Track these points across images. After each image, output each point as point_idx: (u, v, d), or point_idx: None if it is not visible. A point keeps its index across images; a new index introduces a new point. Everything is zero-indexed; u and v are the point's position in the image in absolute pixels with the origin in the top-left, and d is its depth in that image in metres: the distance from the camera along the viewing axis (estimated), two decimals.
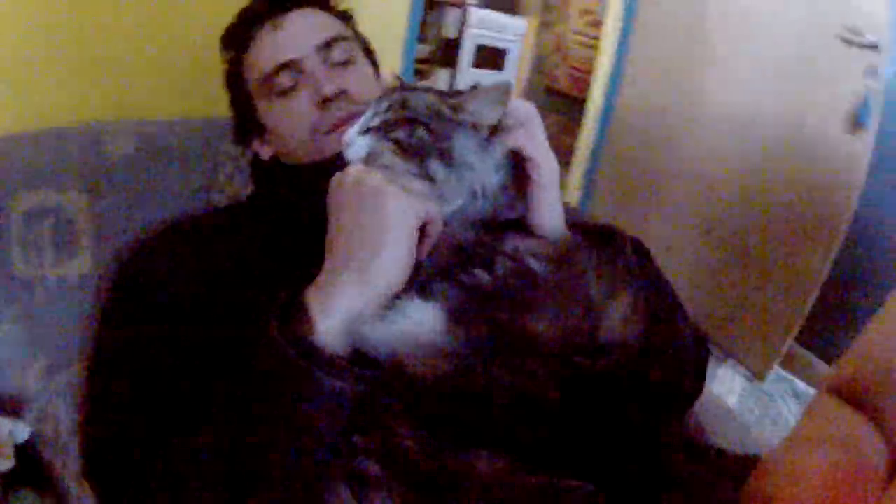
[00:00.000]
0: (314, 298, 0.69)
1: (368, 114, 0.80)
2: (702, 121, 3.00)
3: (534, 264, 0.69)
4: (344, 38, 1.12)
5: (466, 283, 0.68)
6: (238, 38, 1.12)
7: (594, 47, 4.06)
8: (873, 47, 2.46)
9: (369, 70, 1.17)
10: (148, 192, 1.16)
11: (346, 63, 1.11)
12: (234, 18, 1.14)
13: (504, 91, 0.75)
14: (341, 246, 0.71)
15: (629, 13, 3.20)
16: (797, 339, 2.70)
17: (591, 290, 0.68)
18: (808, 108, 2.61)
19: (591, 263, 0.72)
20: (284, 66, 1.07)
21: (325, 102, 1.05)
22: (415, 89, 0.82)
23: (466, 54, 4.48)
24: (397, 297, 0.68)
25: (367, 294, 0.68)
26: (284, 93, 1.07)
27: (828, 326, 2.68)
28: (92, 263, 1.10)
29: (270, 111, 1.10)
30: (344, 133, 0.89)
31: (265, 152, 1.16)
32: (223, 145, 1.26)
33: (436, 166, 0.73)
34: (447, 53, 4.53)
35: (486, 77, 4.56)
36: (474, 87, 0.78)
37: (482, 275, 0.68)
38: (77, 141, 1.13)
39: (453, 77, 4.55)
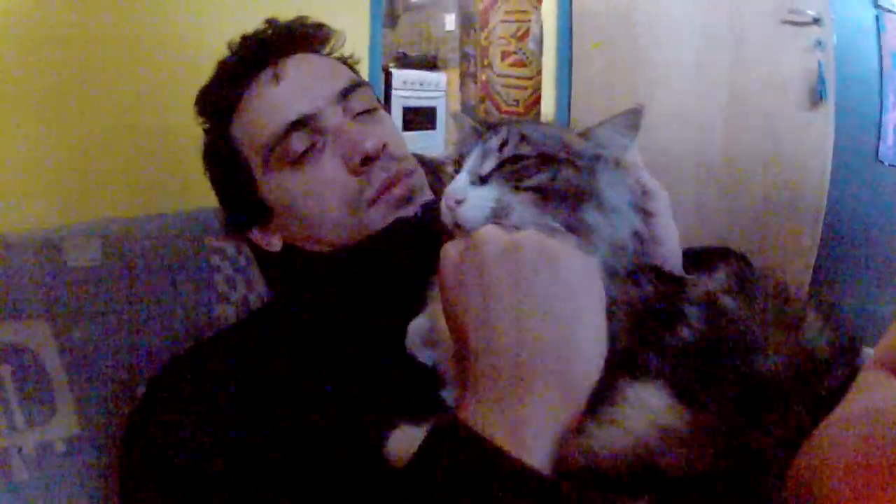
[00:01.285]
0: (497, 427, 0.47)
1: (474, 157, 0.63)
2: (652, 133, 2.90)
3: (728, 302, 0.56)
4: (361, 85, 0.89)
5: (676, 346, 0.53)
6: (222, 98, 0.88)
7: (523, 87, 4.05)
8: (817, 21, 2.48)
9: (392, 120, 0.95)
10: (130, 313, 0.89)
11: (370, 112, 0.88)
12: (213, 74, 0.89)
13: (636, 115, 0.64)
14: (503, 341, 0.50)
15: (564, 43, 3.10)
16: None
17: (785, 312, 0.56)
18: (754, 90, 2.61)
19: (763, 287, 0.60)
20: (297, 125, 0.83)
21: (364, 163, 0.82)
22: (518, 121, 0.69)
23: (395, 119, 4.30)
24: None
25: (570, 397, 0.49)
26: (300, 160, 0.83)
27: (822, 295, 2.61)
28: (81, 421, 0.82)
29: (283, 186, 0.86)
30: (390, 192, 0.82)
31: (272, 243, 0.91)
32: (211, 242, 0.99)
33: (593, 214, 0.60)
34: None
35: (421, 139, 4.41)
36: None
37: (686, 331, 0.54)
38: (27, 252, 0.85)
39: None
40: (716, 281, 0.58)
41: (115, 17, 1.22)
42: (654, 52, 2.90)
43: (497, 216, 0.58)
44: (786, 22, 2.52)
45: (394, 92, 4.21)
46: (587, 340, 0.50)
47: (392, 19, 5.22)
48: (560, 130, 0.65)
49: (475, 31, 4.54)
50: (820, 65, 2.46)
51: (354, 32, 1.85)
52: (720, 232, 2.78)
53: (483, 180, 0.61)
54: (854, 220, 2.59)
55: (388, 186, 0.83)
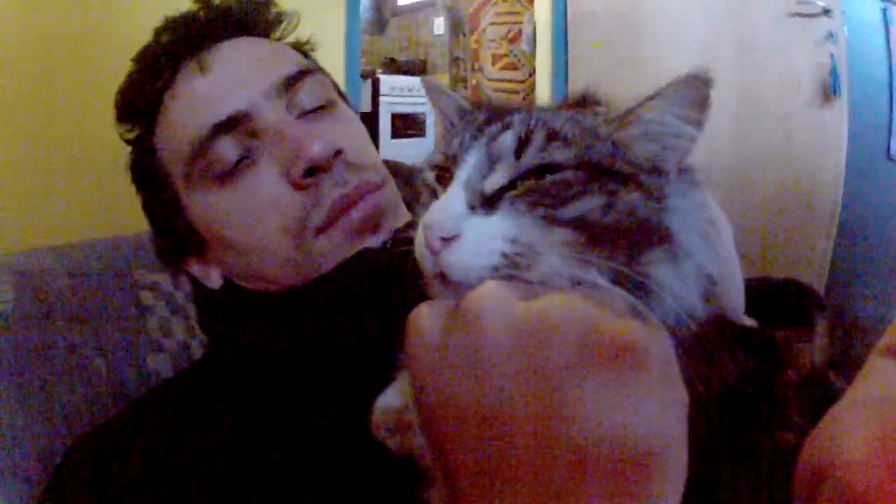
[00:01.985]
0: None
1: (474, 163, 0.41)
2: None
3: (838, 383, 0.41)
4: (312, 72, 0.71)
5: (776, 460, 0.36)
6: (140, 98, 0.70)
7: (516, 91, 3.88)
8: (827, 13, 2.35)
9: (355, 117, 0.77)
10: (46, 369, 0.72)
11: (323, 108, 0.70)
12: (131, 68, 0.72)
13: (704, 84, 0.40)
14: (525, 490, 0.32)
15: (560, 44, 2.94)
16: None
17: None
18: (763, 87, 2.49)
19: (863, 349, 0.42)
20: (225, 127, 0.65)
21: (310, 174, 0.63)
22: (539, 108, 0.46)
23: (384, 126, 4.17)
24: None
25: None
26: (229, 174, 0.65)
27: (839, 307, 2.47)
28: (2, 499, 0.66)
29: (210, 208, 0.68)
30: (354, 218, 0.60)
31: (211, 277, 0.73)
32: (142, 276, 0.82)
33: (661, 264, 0.38)
34: None
35: (410, 146, 4.27)
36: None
37: (789, 434, 0.37)
38: None
39: None
40: (818, 349, 0.41)
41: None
42: (656, 50, 2.74)
43: (513, 266, 0.37)
44: (794, 14, 2.39)
45: (382, 98, 4.09)
46: (663, 477, 0.32)
47: (380, 25, 5.09)
48: (605, 123, 0.43)
49: (465, 34, 4.41)
50: (832, 58, 2.33)
51: (330, 36, 1.71)
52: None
53: (489, 203, 0.39)
54: (866, 220, 2.48)
55: (344, 207, 0.64)
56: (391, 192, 0.71)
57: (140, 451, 0.59)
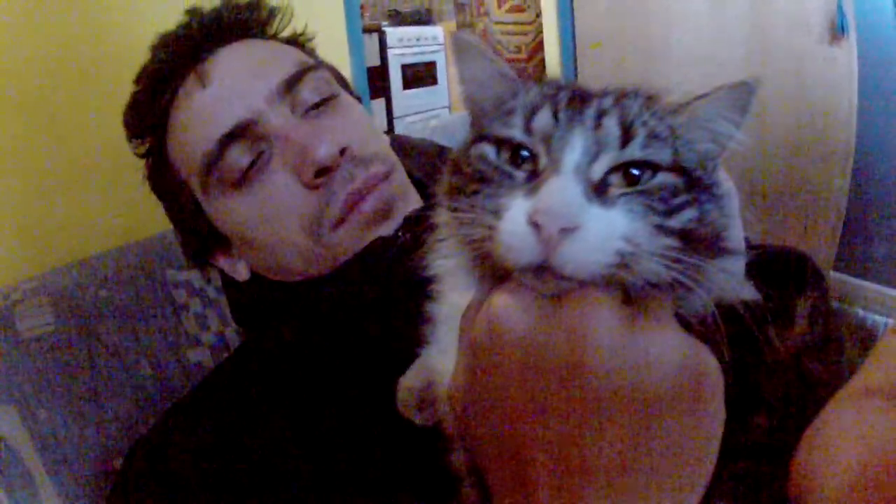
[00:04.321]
0: None
1: (579, 147, 0.38)
2: (666, 72, 2.71)
3: (815, 368, 0.41)
4: (311, 69, 0.73)
5: (747, 446, 0.37)
6: (147, 115, 0.73)
7: (524, 33, 3.86)
8: None
9: (357, 105, 0.79)
10: (93, 380, 0.77)
11: (326, 103, 0.72)
12: (135, 84, 0.75)
13: (748, 92, 0.43)
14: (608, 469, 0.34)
15: None
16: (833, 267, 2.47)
17: None
18: (774, 22, 2.45)
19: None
20: (232, 137, 0.68)
21: (320, 174, 0.66)
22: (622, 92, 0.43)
23: (395, 78, 4.14)
24: None
25: None
26: (244, 178, 0.69)
27: (854, 246, 2.47)
28: None
29: (230, 212, 0.72)
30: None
31: (238, 271, 0.77)
32: (174, 275, 0.86)
33: (713, 272, 0.38)
34: (374, 83, 4.17)
35: (423, 95, 4.24)
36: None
37: (762, 420, 0.38)
38: None
39: (389, 105, 4.21)
40: (798, 331, 0.42)
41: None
42: None
43: (622, 266, 0.35)
44: None
45: (390, 51, 4.04)
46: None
47: None
48: (670, 115, 0.41)
49: None
50: None
51: None
52: (744, 179, 2.64)
53: (597, 193, 0.37)
54: (881, 160, 2.44)
55: (355, 201, 0.68)
56: (400, 178, 0.74)
57: (195, 451, 0.63)
